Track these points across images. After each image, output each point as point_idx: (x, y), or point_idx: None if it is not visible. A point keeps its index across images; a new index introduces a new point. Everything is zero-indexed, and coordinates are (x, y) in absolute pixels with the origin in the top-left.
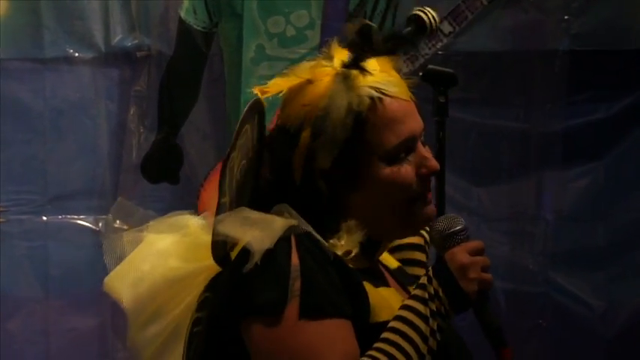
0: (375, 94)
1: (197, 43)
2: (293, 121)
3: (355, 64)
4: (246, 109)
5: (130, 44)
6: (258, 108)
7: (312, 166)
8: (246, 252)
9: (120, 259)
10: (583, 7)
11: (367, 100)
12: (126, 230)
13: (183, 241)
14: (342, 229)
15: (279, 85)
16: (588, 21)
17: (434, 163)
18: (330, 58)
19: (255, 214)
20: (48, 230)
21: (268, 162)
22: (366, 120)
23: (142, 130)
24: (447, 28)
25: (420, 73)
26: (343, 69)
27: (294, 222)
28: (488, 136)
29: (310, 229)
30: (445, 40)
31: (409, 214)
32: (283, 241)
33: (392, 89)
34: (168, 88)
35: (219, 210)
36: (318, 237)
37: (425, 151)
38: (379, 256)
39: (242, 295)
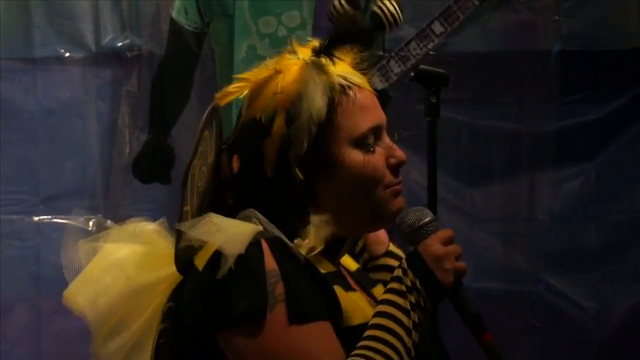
0: (344, 82)
1: (188, 44)
2: (264, 110)
3: (326, 51)
4: (205, 115)
5: (120, 44)
6: (216, 114)
7: (286, 154)
8: (216, 258)
9: (78, 270)
10: (574, 8)
11: (338, 87)
12: (81, 241)
13: (140, 250)
14: (310, 224)
15: (241, 87)
16: (579, 21)
17: (402, 154)
18: (294, 53)
19: (222, 220)
20: (39, 230)
21: (237, 157)
22: (337, 105)
23: (133, 131)
24: (438, 28)
25: (412, 74)
26: (313, 58)
27: (261, 227)
28: (481, 137)
29: (279, 233)
30: (436, 41)
31: (380, 204)
32: (254, 246)
33: (357, 80)
34: (159, 89)
35: (182, 218)
36: (287, 241)
37: (391, 143)
38: (342, 256)
39: (217, 304)
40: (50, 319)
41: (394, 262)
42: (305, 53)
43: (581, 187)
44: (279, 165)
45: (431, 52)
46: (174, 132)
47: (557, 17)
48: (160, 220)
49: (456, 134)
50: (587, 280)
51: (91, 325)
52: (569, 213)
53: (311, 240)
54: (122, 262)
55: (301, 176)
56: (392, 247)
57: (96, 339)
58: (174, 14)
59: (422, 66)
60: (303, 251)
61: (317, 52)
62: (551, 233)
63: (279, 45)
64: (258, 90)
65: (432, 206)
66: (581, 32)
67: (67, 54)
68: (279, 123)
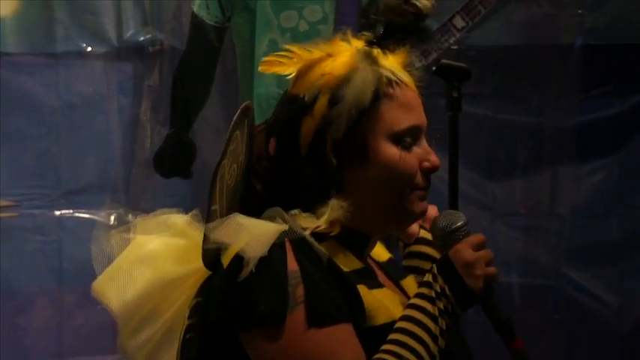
0: (392, 76)
1: (210, 38)
2: (309, 89)
3: (379, 42)
4: (237, 114)
5: (142, 39)
6: (247, 113)
7: (323, 136)
8: (239, 259)
9: (108, 261)
10: (597, 2)
11: (385, 80)
12: (112, 231)
13: (172, 242)
14: (326, 205)
15: (289, 62)
16: (602, 15)
17: (436, 160)
18: (347, 40)
19: (247, 220)
20: (61, 225)
21: (274, 139)
22: (382, 97)
23: (154, 125)
24: (460, 22)
25: (433, 68)
26: (365, 47)
27: (286, 227)
28: (502, 131)
29: (303, 233)
30: (458, 35)
31: (403, 205)
32: (278, 247)
33: (405, 78)
34: (180, 83)
35: (210, 217)
36: (312, 240)
37: (428, 147)
38: (369, 252)
39: (238, 305)
40: (72, 314)
41: (425, 249)
42: (357, 43)
43: (604, 182)
44: (314, 145)
45: (452, 47)
46: (195, 126)
47: (579, 11)
48: (192, 211)
49: (477, 128)
50: (609, 274)
51: (118, 318)
52: (592, 207)
53: (320, 218)
54: (152, 255)
55: (333, 160)
56: (422, 233)
57: (123, 332)
58: (195, 9)
59: (443, 60)
60: (304, 224)
61: (370, 43)
62: (573, 228)
63: (300, 39)
64: (305, 69)
65: (454, 200)
66: (604, 26)
67: (89, 49)
68: (321, 103)
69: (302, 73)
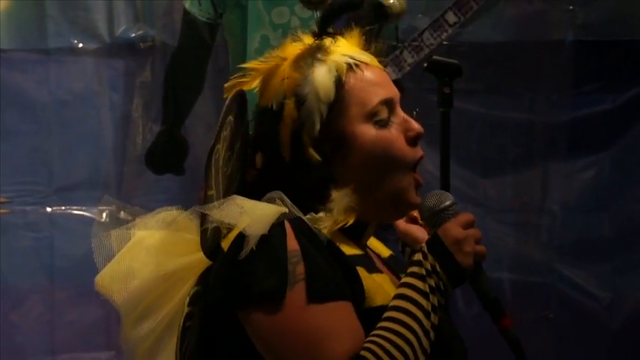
0: (350, 60)
1: (202, 35)
2: (275, 97)
3: (323, 30)
4: (228, 100)
5: (134, 35)
6: (240, 99)
7: (301, 138)
8: (239, 241)
9: (109, 257)
10: None
11: (344, 65)
12: (114, 228)
13: (172, 236)
14: (331, 200)
15: (252, 77)
16: (593, 11)
17: (418, 126)
18: (298, 39)
19: (246, 202)
20: (52, 221)
21: (256, 147)
22: (345, 83)
23: (146, 122)
24: (451, 18)
25: (425, 64)
26: (314, 41)
27: (285, 209)
28: (494, 127)
29: (301, 215)
30: (450, 31)
31: (401, 188)
32: (277, 227)
33: (364, 58)
34: (172, 80)
35: (206, 202)
36: (309, 223)
37: (406, 116)
38: (366, 240)
39: (238, 283)
40: (64, 310)
41: None
42: (309, 39)
43: (595, 178)
44: (295, 148)
45: (444, 42)
46: (187, 123)
47: (570, 7)
48: (192, 208)
49: (469, 125)
50: (601, 270)
51: (120, 309)
52: (583, 203)
53: (333, 213)
54: (153, 249)
55: (317, 157)
56: None
57: (126, 323)
58: (187, 5)
59: (435, 56)
60: (325, 224)
61: (317, 34)
62: (564, 224)
63: None
64: (267, 79)
65: None
66: (595, 22)
67: (81, 45)
68: (289, 107)
69: (264, 85)
